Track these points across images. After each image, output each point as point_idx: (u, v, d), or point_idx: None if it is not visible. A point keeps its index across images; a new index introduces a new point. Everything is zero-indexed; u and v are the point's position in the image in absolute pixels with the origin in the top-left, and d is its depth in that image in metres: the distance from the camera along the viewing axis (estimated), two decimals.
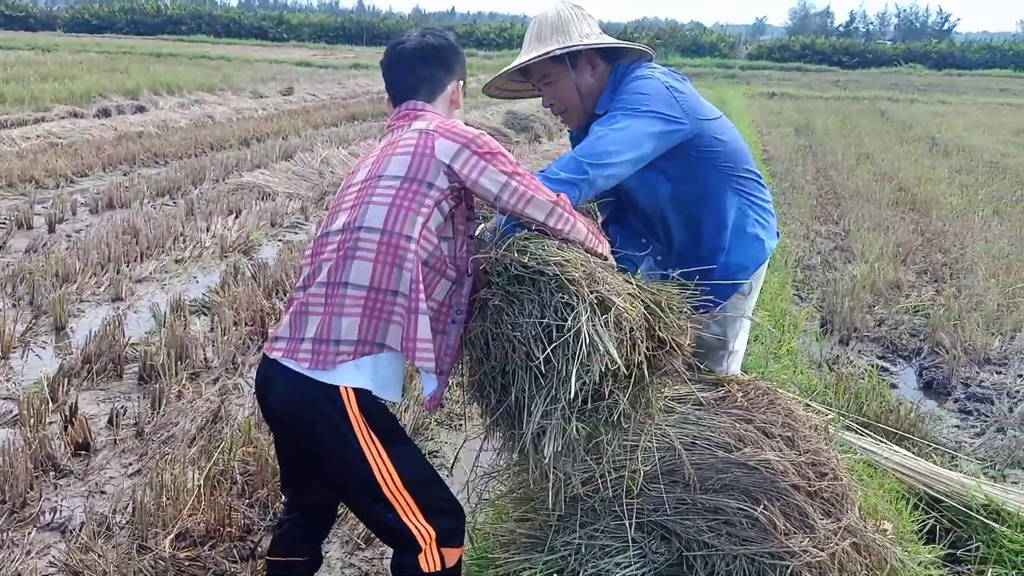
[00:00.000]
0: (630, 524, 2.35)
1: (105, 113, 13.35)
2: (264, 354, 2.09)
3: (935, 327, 5.26)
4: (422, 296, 1.97)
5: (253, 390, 2.24)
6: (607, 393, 2.03)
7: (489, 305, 2.07)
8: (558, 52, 2.44)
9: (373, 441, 1.98)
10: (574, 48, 2.44)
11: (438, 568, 2.08)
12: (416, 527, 2.03)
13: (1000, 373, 4.79)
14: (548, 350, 1.94)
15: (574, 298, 1.96)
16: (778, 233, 2.81)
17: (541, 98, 2.62)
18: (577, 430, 2.03)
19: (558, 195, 2.10)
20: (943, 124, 17.25)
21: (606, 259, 2.19)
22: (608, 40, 2.51)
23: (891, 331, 5.40)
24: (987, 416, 4.27)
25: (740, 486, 2.32)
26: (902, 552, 2.53)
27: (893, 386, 4.64)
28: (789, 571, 2.28)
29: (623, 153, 2.27)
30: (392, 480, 2.00)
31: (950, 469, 3.46)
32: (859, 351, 5.16)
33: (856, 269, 6.54)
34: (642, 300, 2.11)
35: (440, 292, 2.06)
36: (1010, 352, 5.04)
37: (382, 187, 2.01)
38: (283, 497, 2.40)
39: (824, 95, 25.85)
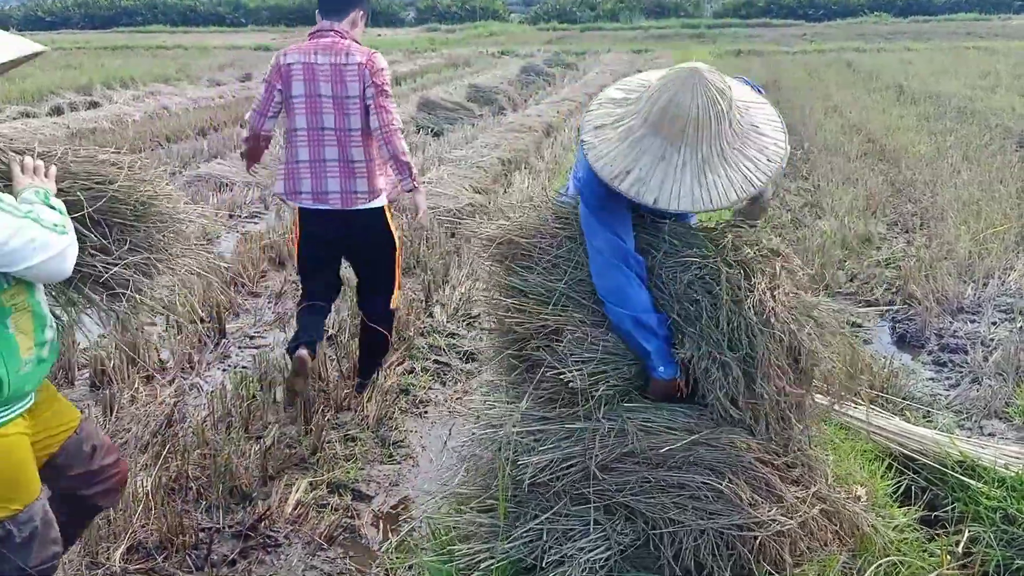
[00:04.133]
0: (593, 506, 2.25)
1: (58, 111, 12.99)
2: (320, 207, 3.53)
3: (907, 279, 5.18)
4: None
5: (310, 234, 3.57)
6: None
7: None
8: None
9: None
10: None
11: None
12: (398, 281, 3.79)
13: (974, 322, 4.72)
14: None
15: None
16: None
17: None
18: None
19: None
20: (910, 72, 17.16)
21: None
22: None
23: (863, 286, 5.32)
24: (962, 367, 4.20)
25: (704, 462, 2.23)
26: (876, 517, 2.45)
27: (867, 342, 4.57)
28: (758, 542, 2.20)
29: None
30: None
31: (926, 424, 3.39)
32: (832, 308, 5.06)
33: (826, 224, 6.44)
34: None
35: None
36: (983, 300, 4.96)
37: (350, 104, 3.43)
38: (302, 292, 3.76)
39: (791, 50, 25.69)
